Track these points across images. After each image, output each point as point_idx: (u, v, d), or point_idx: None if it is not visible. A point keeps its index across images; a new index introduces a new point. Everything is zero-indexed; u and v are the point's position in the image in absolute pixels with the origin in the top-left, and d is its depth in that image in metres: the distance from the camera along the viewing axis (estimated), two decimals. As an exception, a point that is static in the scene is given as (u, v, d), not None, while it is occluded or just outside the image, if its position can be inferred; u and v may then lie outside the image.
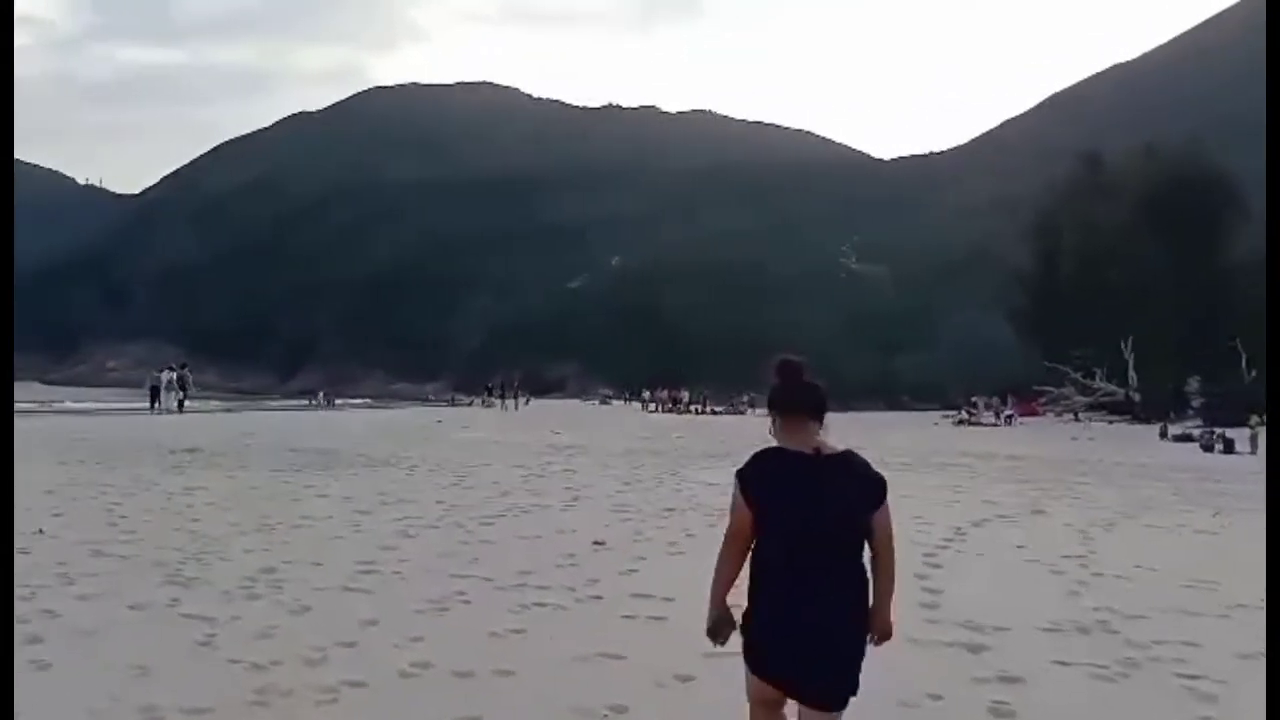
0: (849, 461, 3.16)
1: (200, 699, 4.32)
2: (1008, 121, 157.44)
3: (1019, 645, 5.69)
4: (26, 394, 48.61)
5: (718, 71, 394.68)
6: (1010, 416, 49.70)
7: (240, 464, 15.22)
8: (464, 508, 10.91)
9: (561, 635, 5.61)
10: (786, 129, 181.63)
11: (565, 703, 4.44)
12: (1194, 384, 47.35)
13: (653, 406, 57.59)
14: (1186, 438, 35.55)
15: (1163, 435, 37.69)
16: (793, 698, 3.16)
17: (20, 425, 22.83)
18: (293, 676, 4.69)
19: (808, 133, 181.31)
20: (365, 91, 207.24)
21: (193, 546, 8.05)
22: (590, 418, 42.33)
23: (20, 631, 5.26)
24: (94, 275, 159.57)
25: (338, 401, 58.93)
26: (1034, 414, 52.37)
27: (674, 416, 49.78)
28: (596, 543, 8.82)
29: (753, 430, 36.18)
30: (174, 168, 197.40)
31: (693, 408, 56.88)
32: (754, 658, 3.16)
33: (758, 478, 3.11)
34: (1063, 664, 5.30)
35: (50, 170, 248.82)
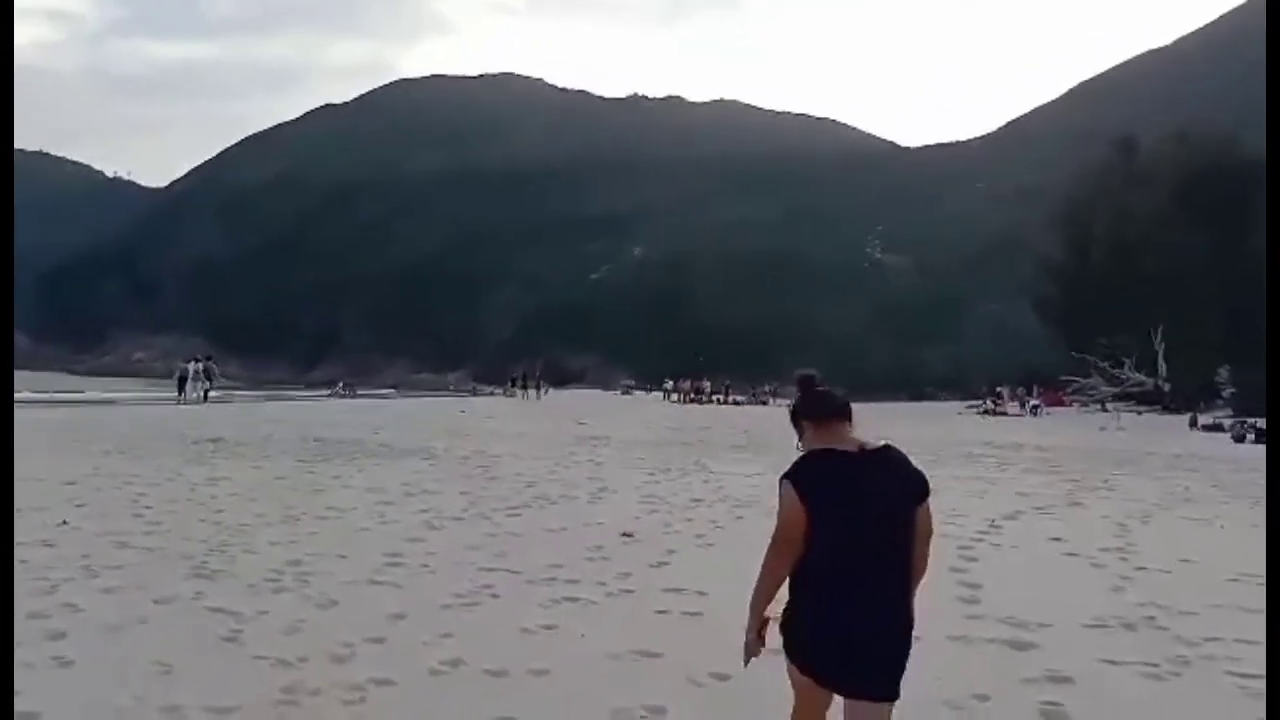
0: (891, 457, 3.17)
1: (226, 697, 4.21)
2: (1036, 109, 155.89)
3: (1065, 643, 5.50)
4: (54, 384, 49.03)
5: (742, 61, 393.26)
6: (1036, 407, 49.19)
7: (264, 454, 15.18)
8: (489, 499, 10.80)
9: (594, 631, 5.47)
10: (811, 118, 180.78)
11: (601, 704, 4.30)
12: (1224, 374, 46.66)
13: (675, 397, 57.39)
14: (1217, 428, 35.05)
15: (1193, 425, 37.19)
16: (841, 694, 3.12)
17: (44, 415, 23.00)
18: (320, 674, 4.58)
19: (833, 121, 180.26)
20: (391, 84, 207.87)
21: (217, 538, 7.97)
22: (613, 408, 42.21)
23: (43, 627, 5.19)
24: (121, 267, 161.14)
25: (360, 391, 59.17)
26: (1060, 404, 51.81)
27: (696, 407, 49.61)
28: (625, 535, 8.68)
29: (776, 421, 35.98)
30: (201, 161, 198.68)
31: (715, 398, 56.65)
32: (801, 656, 3.11)
33: (810, 480, 3.08)
34: (1112, 663, 5.11)
35: (78, 163, 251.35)
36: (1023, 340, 71.62)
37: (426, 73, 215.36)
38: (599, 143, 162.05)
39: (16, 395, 22.61)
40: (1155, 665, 5.06)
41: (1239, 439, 30.23)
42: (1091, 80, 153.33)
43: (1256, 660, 5.15)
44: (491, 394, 60.90)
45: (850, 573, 3.01)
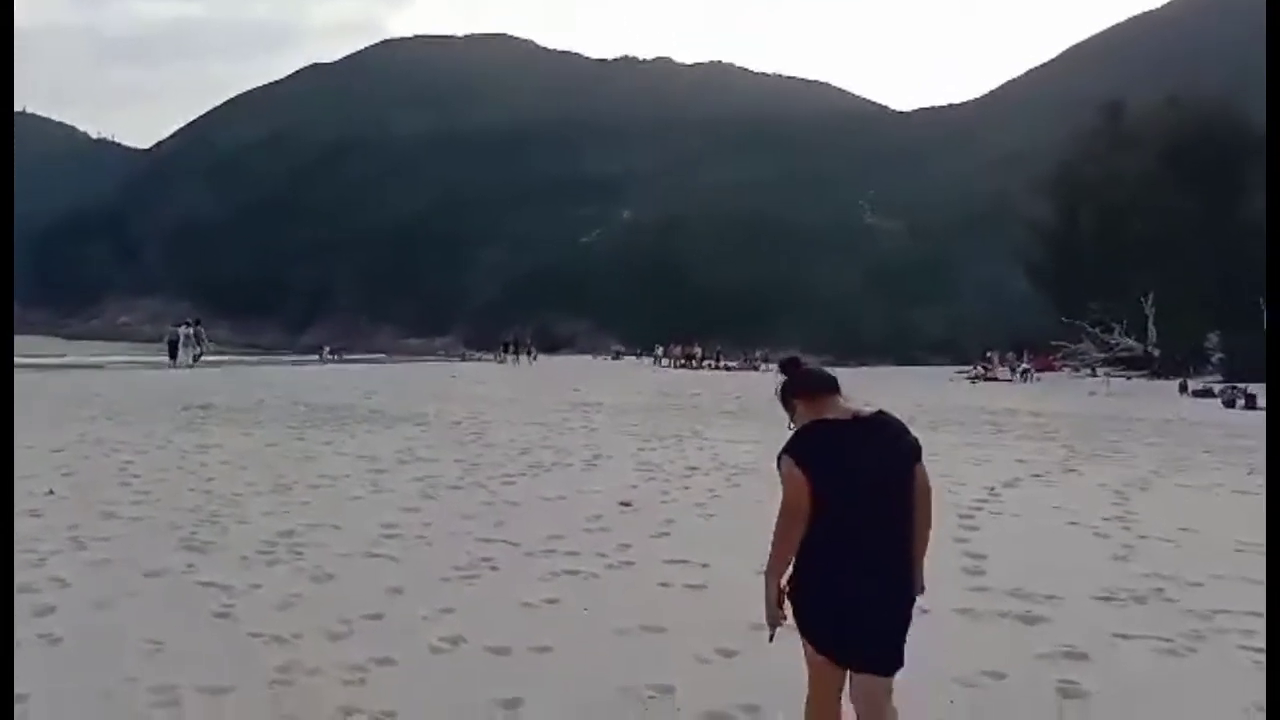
0: (886, 421, 3.20)
1: (219, 677, 4.08)
2: (1028, 72, 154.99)
3: (1075, 616, 5.41)
4: (42, 349, 48.59)
5: (733, 23, 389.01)
6: (1027, 372, 49.24)
7: (254, 420, 15.01)
8: (484, 466, 10.68)
9: (597, 606, 5.36)
10: (803, 80, 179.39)
11: (608, 682, 4.18)
12: (1213, 339, 46.74)
13: (666, 362, 57.25)
14: (1207, 393, 35.10)
15: (1183, 390, 37.25)
16: (845, 666, 3.13)
17: (30, 379, 22.71)
18: (317, 652, 4.45)
19: (825, 84, 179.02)
20: (379, 44, 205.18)
21: (208, 508, 7.83)
22: (604, 374, 42.08)
23: (30, 602, 5.05)
24: (107, 230, 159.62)
25: (348, 356, 58.81)
26: (1050, 369, 51.90)
27: (688, 372, 49.51)
28: (623, 504, 8.57)
29: (769, 386, 35.96)
30: (187, 122, 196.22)
31: (706, 363, 56.52)
32: (809, 630, 3.11)
33: (810, 448, 3.09)
34: (1125, 637, 5.02)
35: (62, 124, 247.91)
36: (1014, 305, 71.67)
37: (414, 33, 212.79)
38: (589, 105, 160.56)
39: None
40: (1169, 640, 4.98)
41: (1229, 404, 30.27)
42: (1083, 43, 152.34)
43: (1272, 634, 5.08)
44: (480, 359, 60.66)
45: (849, 541, 3.02)
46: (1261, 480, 11.99)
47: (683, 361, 56.57)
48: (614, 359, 69.18)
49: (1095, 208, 55.41)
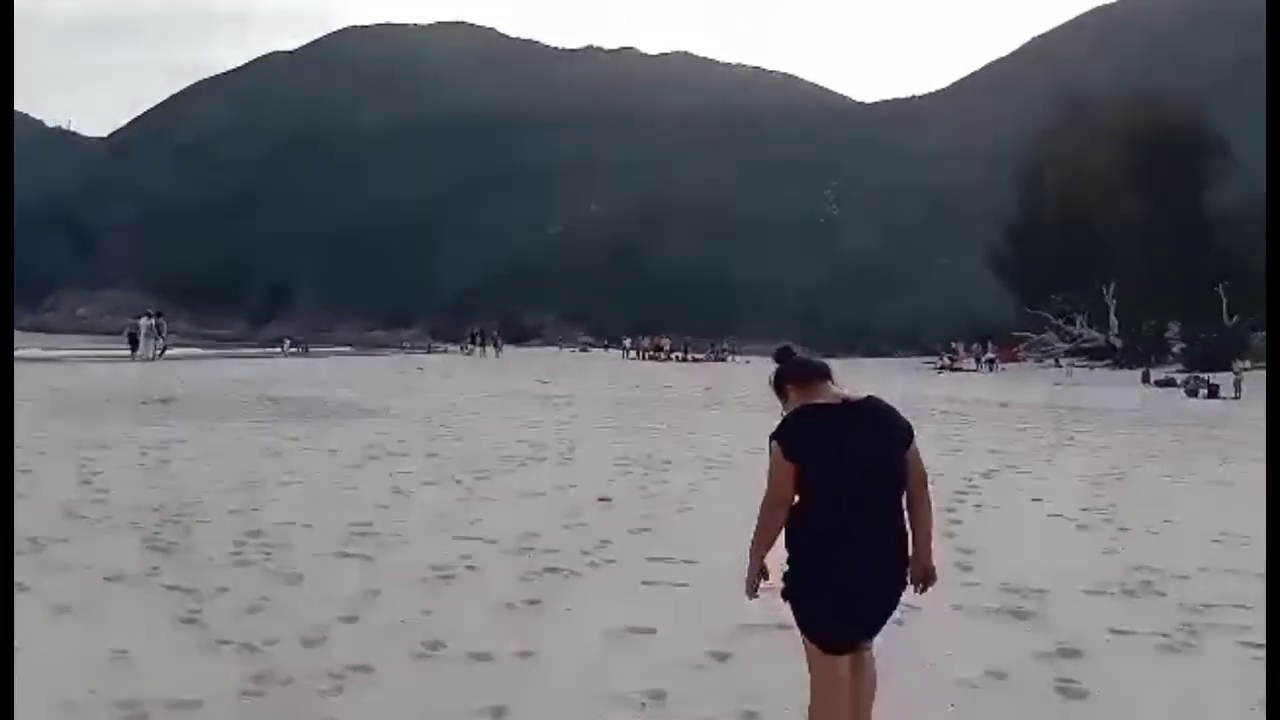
0: (876, 405, 3.24)
1: (188, 689, 3.86)
2: (988, 65, 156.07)
3: (1068, 611, 5.33)
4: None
5: (697, 13, 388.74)
6: (992, 361, 49.70)
7: (218, 415, 14.65)
8: (458, 461, 10.46)
9: (581, 607, 5.18)
10: (767, 71, 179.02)
11: (598, 689, 4.01)
12: (1174, 329, 47.41)
13: (634, 354, 57.07)
14: (1169, 383, 35.59)
15: (1145, 380, 37.75)
16: (833, 649, 3.15)
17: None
18: (291, 660, 4.24)
19: (789, 75, 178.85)
20: (340, 31, 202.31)
21: (172, 507, 7.54)
22: (572, 366, 41.86)
23: (-16, 610, 4.78)
24: (63, 219, 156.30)
25: (312, 349, 57.94)
26: (1014, 360, 52.39)
27: (656, 364, 49.39)
28: (601, 499, 8.41)
29: (737, 378, 35.91)
30: (144, 110, 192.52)
31: (674, 355, 56.42)
32: (809, 623, 3.13)
33: (798, 433, 3.13)
34: (1121, 633, 4.93)
35: (17, 112, 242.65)
36: (978, 296, 72.10)
37: (377, 20, 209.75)
38: (553, 94, 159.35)
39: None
40: (1166, 635, 4.90)
41: (1192, 393, 30.70)
42: (1043, 36, 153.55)
43: (1263, 628, 5.02)
44: (446, 351, 60.12)
45: (840, 525, 3.04)
46: (1237, 470, 12.08)
47: (651, 353, 56.43)
48: (581, 351, 68.90)
49: (1058, 200, 55.97)
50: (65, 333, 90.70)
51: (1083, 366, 46.44)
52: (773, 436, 3.14)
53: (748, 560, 3.19)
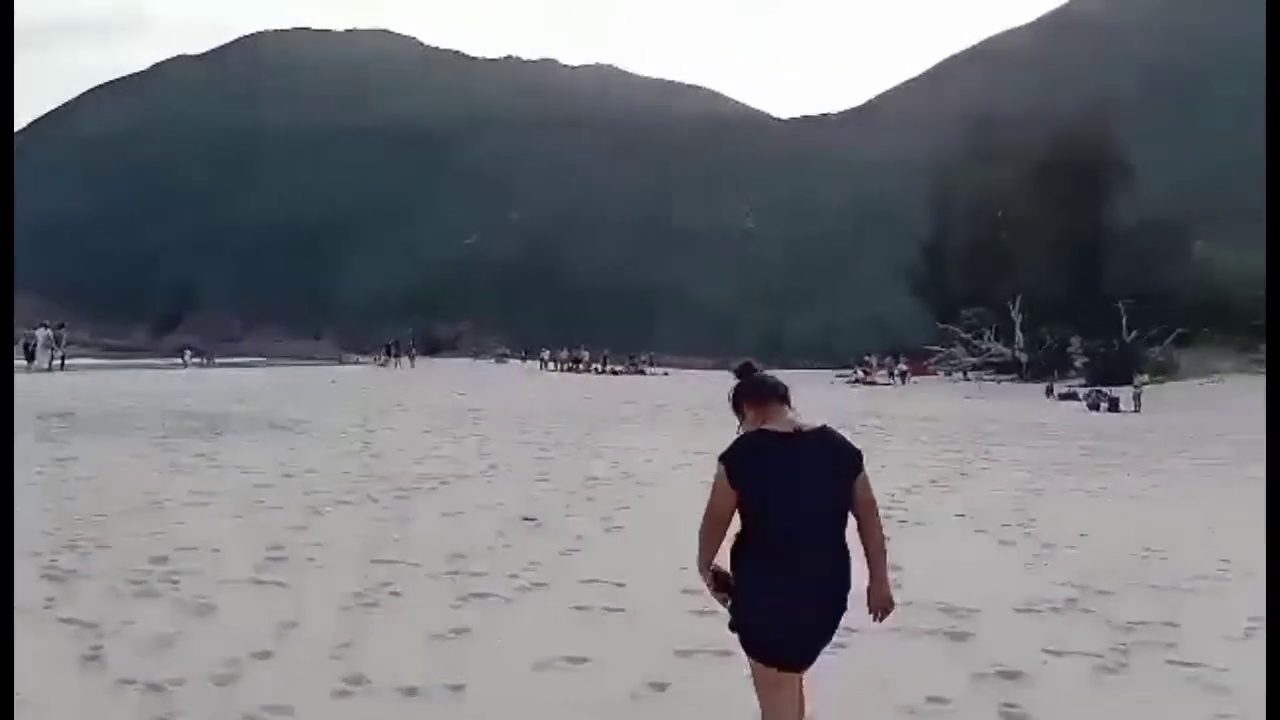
0: (827, 435, 3.25)
1: (89, 737, 3.56)
2: (902, 84, 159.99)
3: (1001, 631, 5.33)
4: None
5: (617, 25, 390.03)
6: (904, 374, 50.71)
7: (118, 430, 13.98)
8: (375, 479, 10.12)
9: (512, 635, 4.98)
10: (685, 85, 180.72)
11: (534, 726, 3.83)
12: (1075, 343, 48.97)
13: (552, 366, 56.74)
14: (1071, 396, 36.72)
15: (1049, 394, 38.88)
16: (768, 664, 3.18)
17: None
18: (200, 701, 3.95)
19: (707, 90, 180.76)
20: (251, 35, 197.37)
21: (69, 531, 7.09)
22: (490, 378, 41.35)
23: None
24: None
25: (218, 359, 56.02)
26: (925, 373, 53.53)
27: (575, 376, 49.17)
28: (526, 518, 8.19)
29: (656, 390, 35.77)
30: (41, 113, 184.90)
31: (594, 367, 56.27)
32: (751, 644, 3.17)
33: (743, 460, 3.16)
34: (1055, 654, 4.93)
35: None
36: (890, 310, 73.70)
37: (291, 24, 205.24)
38: (473, 103, 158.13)
39: None
40: (1099, 656, 4.91)
41: (1094, 407, 31.68)
42: (953, 58, 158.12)
43: (1192, 647, 5.08)
44: (359, 362, 58.87)
45: (781, 550, 3.07)
46: (1147, 484, 12.43)
47: (569, 365, 56.18)
48: (499, 362, 68.20)
49: (967, 217, 57.53)
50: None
51: (990, 380, 47.70)
52: (721, 458, 3.18)
53: (701, 576, 3.29)
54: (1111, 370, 40.27)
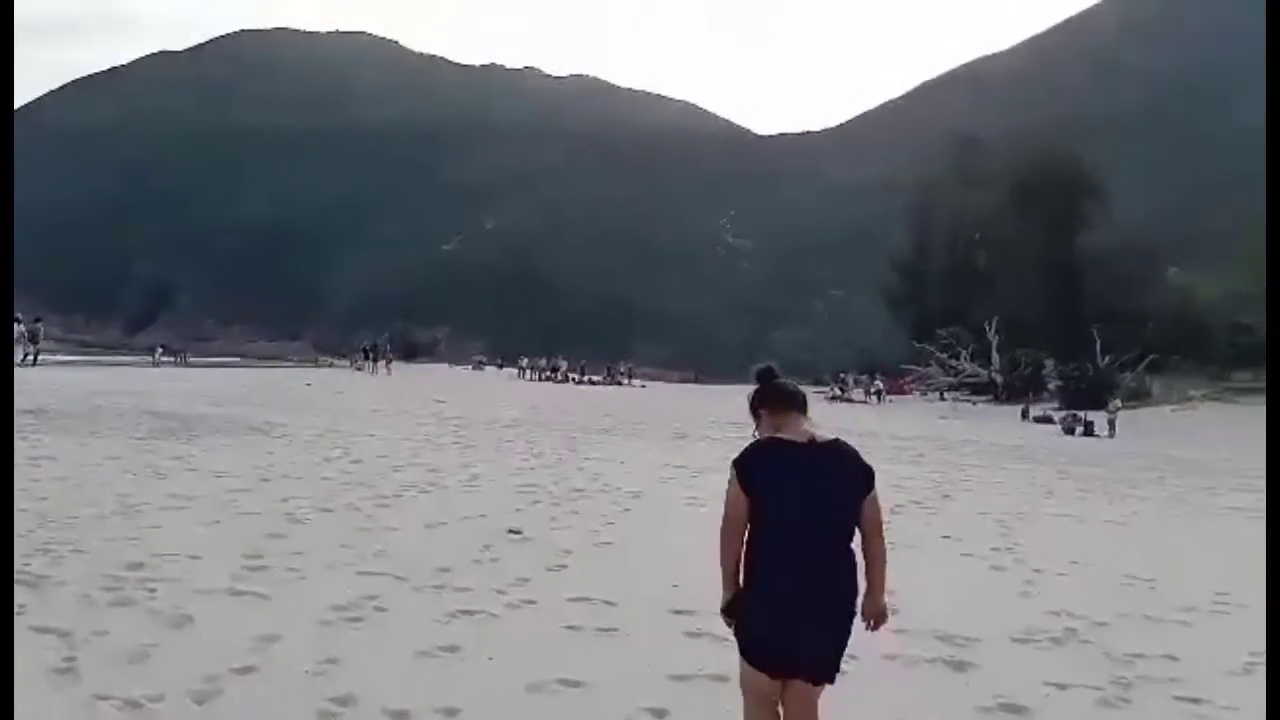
0: (840, 449, 3.28)
1: (63, 757, 3.39)
2: (882, 105, 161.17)
3: (1001, 661, 5.23)
4: None
5: (601, 37, 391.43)
6: (880, 392, 50.88)
7: (92, 429, 13.68)
8: (355, 486, 9.93)
9: (503, 654, 4.83)
10: (668, 99, 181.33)
11: (532, 754, 3.69)
12: (1050, 366, 49.30)
13: (530, 374, 56.50)
14: (1047, 419, 36.96)
15: (1024, 416, 39.10)
16: (781, 676, 3.19)
17: None
18: (180, 718, 3.78)
19: (688, 104, 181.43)
20: (233, 34, 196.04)
21: (40, 534, 6.87)
22: (467, 385, 41.10)
23: None
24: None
25: (191, 359, 55.34)
26: (901, 392, 53.75)
27: (552, 385, 48.97)
28: (512, 531, 8.03)
29: (637, 402, 35.59)
30: (20, 104, 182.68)
31: (571, 377, 56.10)
32: (751, 641, 3.20)
33: (756, 467, 3.20)
34: (1057, 686, 4.84)
35: None
36: (865, 328, 74.04)
37: (272, 24, 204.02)
38: (454, 110, 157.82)
39: None
40: (1100, 689, 4.82)
41: (1069, 430, 31.89)
42: (932, 81, 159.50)
43: (1192, 680, 5.01)
44: (333, 366, 58.31)
45: (789, 558, 3.10)
46: (1128, 510, 12.43)
47: (548, 374, 55.99)
48: (476, 369, 67.85)
49: (945, 238, 57.96)
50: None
51: (966, 401, 47.92)
52: (734, 462, 3.24)
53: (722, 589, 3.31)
54: (1085, 394, 40.56)
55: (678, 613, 5.64)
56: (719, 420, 23.29)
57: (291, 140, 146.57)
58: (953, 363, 52.16)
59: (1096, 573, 7.93)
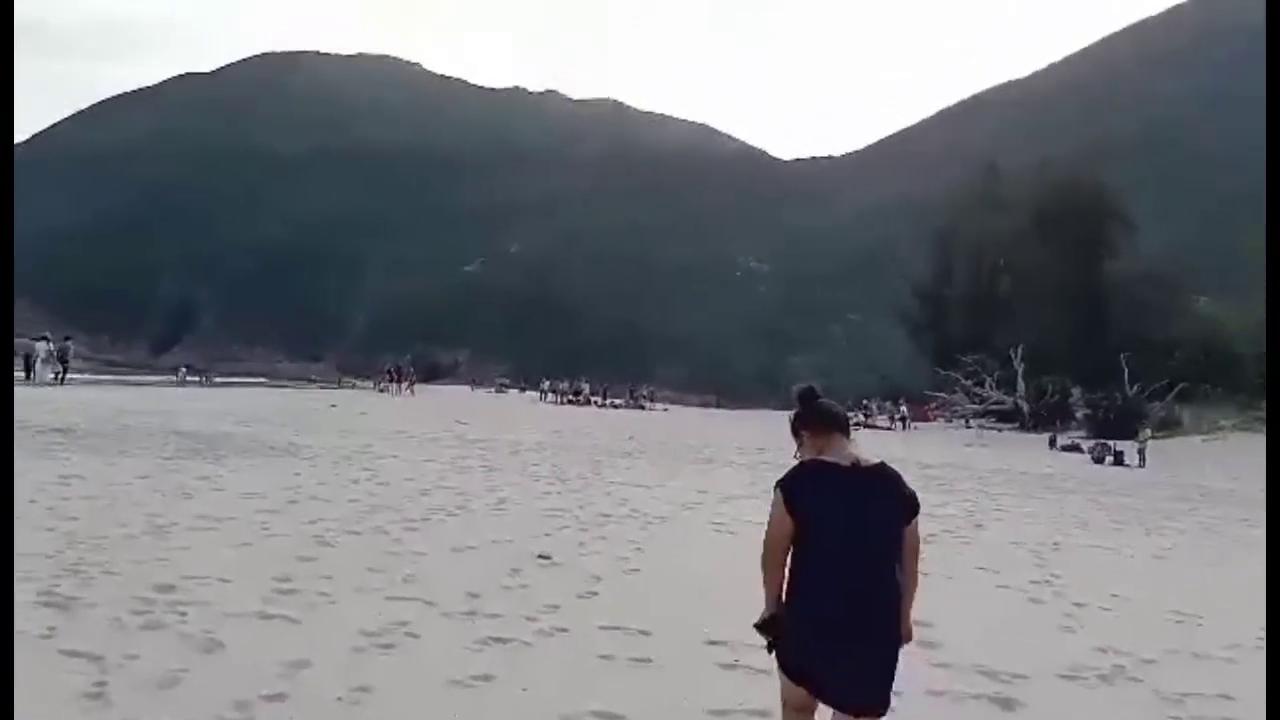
0: (885, 474, 3.30)
1: (96, 788, 3.31)
2: (902, 130, 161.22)
3: (1050, 699, 5.08)
4: None
5: (622, 61, 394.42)
6: (905, 419, 50.48)
7: (121, 448, 13.70)
8: (383, 509, 9.85)
9: (537, 685, 4.72)
10: (689, 123, 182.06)
11: (573, 791, 3.58)
12: (1076, 394, 48.74)
13: (552, 397, 56.45)
14: (1075, 448, 36.43)
15: (1052, 445, 38.57)
16: (831, 705, 3.17)
17: None
18: (215, 748, 3.70)
19: (709, 128, 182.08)
20: (258, 56, 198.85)
21: (70, 554, 6.83)
22: (490, 407, 41.06)
23: None
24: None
25: (216, 379, 55.71)
26: (926, 419, 53.28)
27: (575, 409, 48.88)
28: (541, 556, 7.93)
29: (659, 426, 35.40)
30: (48, 124, 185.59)
31: (593, 400, 56.00)
32: (794, 664, 3.19)
33: (801, 489, 3.20)
34: (1110, 727, 4.69)
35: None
36: (885, 354, 73.67)
37: (298, 47, 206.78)
38: (477, 133, 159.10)
39: None
40: (1156, 730, 4.67)
41: (1099, 460, 31.40)
42: (954, 106, 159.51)
43: (1248, 720, 4.84)
44: (355, 387, 58.45)
45: (831, 580, 3.11)
46: (1167, 544, 12.19)
47: (570, 398, 55.90)
48: (498, 391, 67.89)
49: (968, 263, 57.59)
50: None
51: (992, 429, 47.42)
52: (778, 485, 3.26)
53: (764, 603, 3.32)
54: (1113, 423, 40.04)
55: (711, 643, 5.53)
56: (745, 446, 23.13)
57: (313, 162, 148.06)
58: (978, 390, 51.68)
59: (1138, 608, 7.73)
